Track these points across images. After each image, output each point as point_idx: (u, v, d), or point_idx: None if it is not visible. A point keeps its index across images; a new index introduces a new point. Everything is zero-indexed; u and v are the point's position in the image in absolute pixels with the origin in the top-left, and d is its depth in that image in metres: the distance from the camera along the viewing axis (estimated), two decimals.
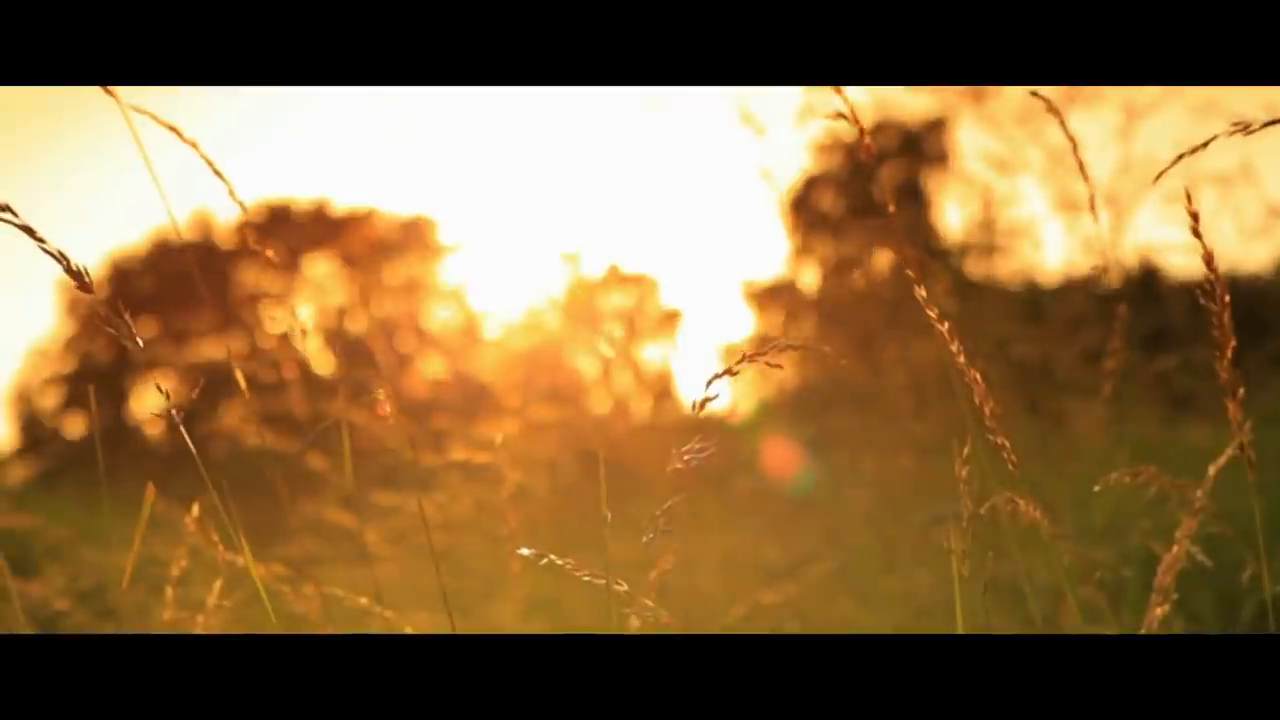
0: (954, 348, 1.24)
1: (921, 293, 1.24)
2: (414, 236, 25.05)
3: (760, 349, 1.14)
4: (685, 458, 1.16)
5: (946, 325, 1.24)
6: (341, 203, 26.23)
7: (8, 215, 1.14)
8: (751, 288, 21.83)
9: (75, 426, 24.60)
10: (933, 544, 2.75)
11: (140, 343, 1.23)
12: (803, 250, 23.08)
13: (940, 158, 21.54)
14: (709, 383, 1.14)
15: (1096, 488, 1.38)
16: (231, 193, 1.49)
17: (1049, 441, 3.22)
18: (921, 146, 21.64)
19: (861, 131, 1.57)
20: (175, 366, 24.83)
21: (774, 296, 21.59)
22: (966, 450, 1.18)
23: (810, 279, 23.04)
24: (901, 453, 3.45)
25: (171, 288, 24.83)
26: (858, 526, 2.77)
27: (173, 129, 1.46)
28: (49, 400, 25.26)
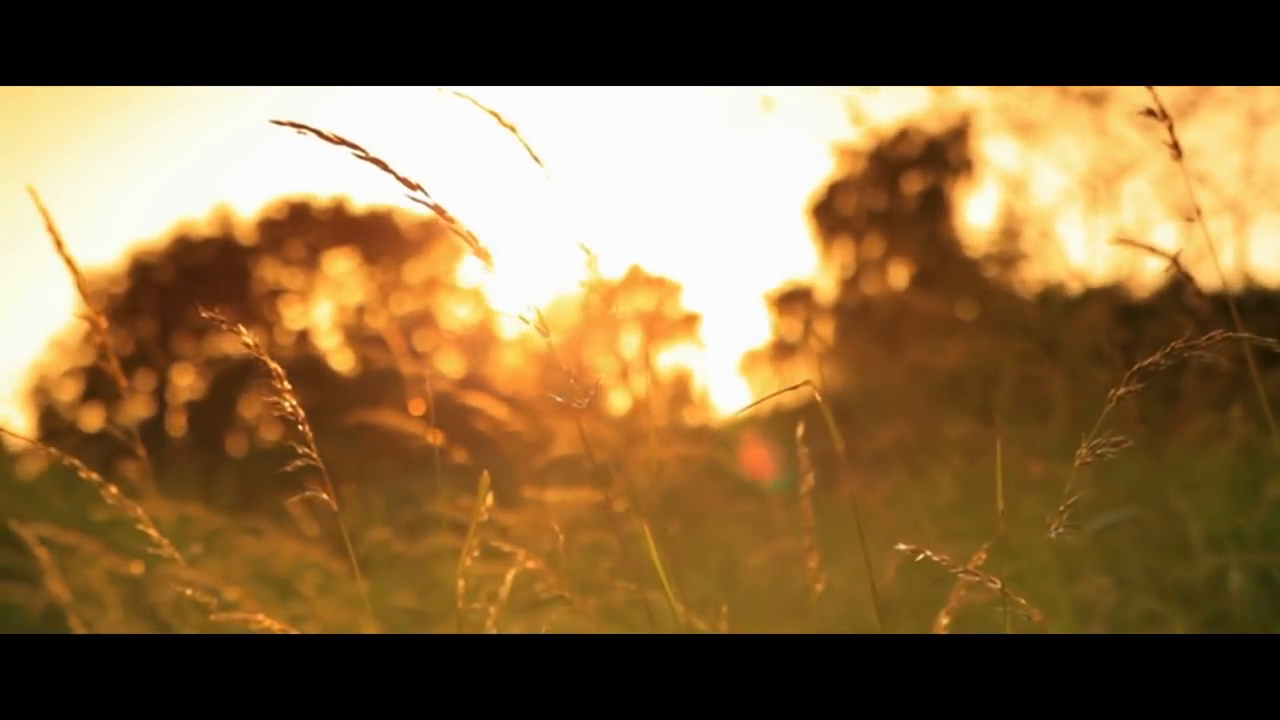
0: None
1: None
2: (434, 235, 25.02)
3: (1176, 347, 1.11)
4: (1098, 451, 1.13)
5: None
6: (362, 200, 26.23)
7: (419, 195, 1.12)
8: (772, 293, 21.80)
9: (93, 419, 24.55)
10: (1107, 550, 2.73)
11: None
12: (825, 254, 23.08)
13: (965, 165, 21.52)
14: (1129, 376, 1.12)
15: None
16: (547, 179, 1.48)
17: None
18: (946, 154, 21.63)
19: (1170, 127, 1.55)
20: (194, 361, 24.81)
21: (793, 300, 21.59)
22: None
23: (830, 283, 23.03)
24: (1029, 458, 3.42)
25: (191, 281, 24.80)
26: (1026, 530, 2.74)
27: (493, 114, 1.44)
28: (67, 393, 25.23)
